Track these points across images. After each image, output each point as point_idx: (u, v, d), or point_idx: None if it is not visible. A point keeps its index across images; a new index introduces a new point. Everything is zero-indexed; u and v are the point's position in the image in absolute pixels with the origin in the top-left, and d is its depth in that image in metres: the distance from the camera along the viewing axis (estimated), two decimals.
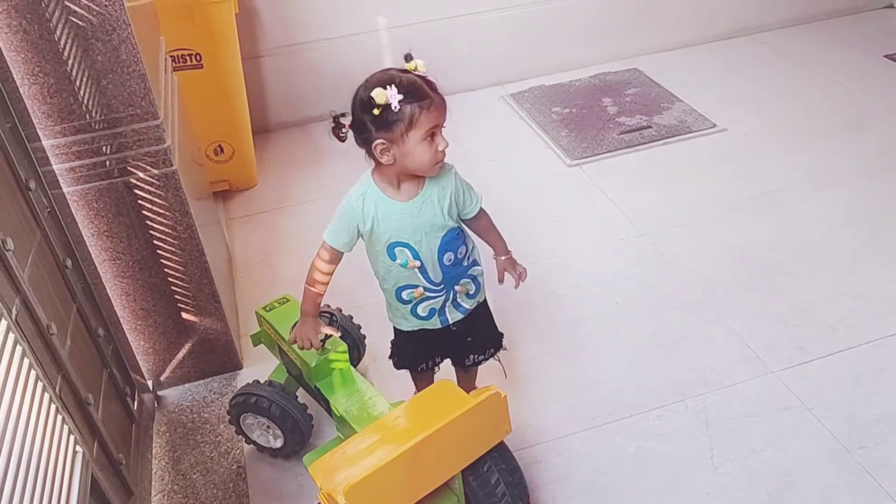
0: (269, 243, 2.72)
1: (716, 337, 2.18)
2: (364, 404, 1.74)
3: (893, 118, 3.16)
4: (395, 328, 1.77)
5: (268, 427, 1.86)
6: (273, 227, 2.81)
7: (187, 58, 2.64)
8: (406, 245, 1.58)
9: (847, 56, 3.68)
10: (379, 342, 2.14)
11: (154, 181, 1.83)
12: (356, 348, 2.08)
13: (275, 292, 2.46)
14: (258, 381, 1.88)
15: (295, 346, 1.76)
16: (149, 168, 1.81)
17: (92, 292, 1.84)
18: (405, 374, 1.88)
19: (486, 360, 1.84)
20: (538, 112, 3.35)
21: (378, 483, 1.40)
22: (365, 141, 1.48)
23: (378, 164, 1.51)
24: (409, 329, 1.72)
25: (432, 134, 1.45)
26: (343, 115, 1.50)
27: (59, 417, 1.42)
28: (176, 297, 2.02)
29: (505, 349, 1.86)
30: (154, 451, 1.98)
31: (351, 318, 2.11)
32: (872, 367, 2.06)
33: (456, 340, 1.77)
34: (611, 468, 1.84)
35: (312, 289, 1.67)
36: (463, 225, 1.67)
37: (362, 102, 1.43)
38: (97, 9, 1.61)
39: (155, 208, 1.87)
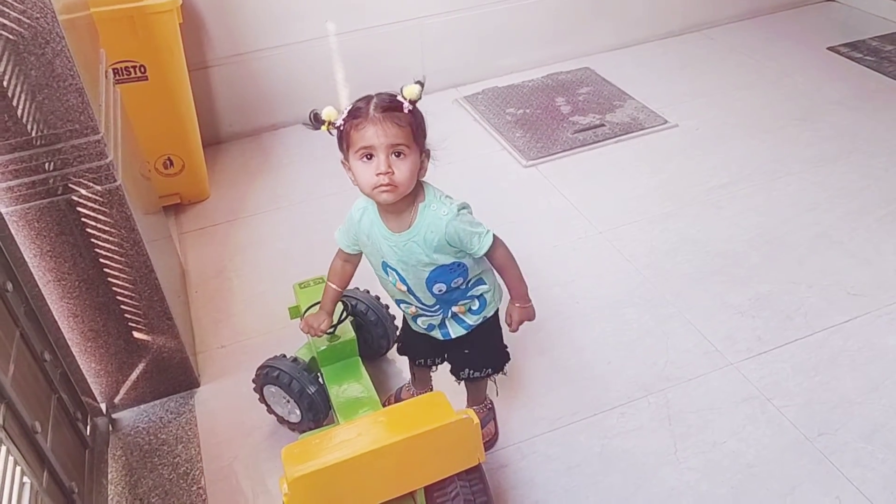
0: (224, 256, 2.67)
1: (675, 331, 2.19)
2: (354, 399, 1.75)
3: (839, 108, 3.22)
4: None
5: (287, 401, 1.87)
6: (227, 240, 2.75)
7: (131, 70, 2.58)
8: (395, 269, 1.56)
9: (793, 49, 3.75)
10: None
11: (97, 198, 1.77)
12: (385, 338, 2.08)
13: (231, 306, 2.43)
14: (284, 356, 1.90)
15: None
16: (91, 184, 1.75)
17: (36, 315, 1.77)
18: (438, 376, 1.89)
19: (482, 378, 1.80)
20: (492, 114, 3.34)
21: (326, 481, 1.38)
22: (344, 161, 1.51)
23: None
24: (415, 329, 1.74)
25: (368, 154, 1.40)
26: (316, 112, 1.49)
27: (3, 448, 1.36)
28: (126, 316, 1.96)
29: (504, 374, 1.83)
30: (109, 477, 1.91)
31: (387, 307, 2.09)
32: (829, 353, 2.09)
33: (454, 351, 1.75)
34: (577, 468, 1.84)
35: (329, 283, 1.72)
36: (464, 260, 1.59)
37: (317, 119, 1.45)
38: (28, 21, 1.55)
39: (100, 226, 1.81)
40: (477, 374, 1.79)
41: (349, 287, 2.10)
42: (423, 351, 1.82)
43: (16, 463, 1.40)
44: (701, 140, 3.09)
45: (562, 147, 3.06)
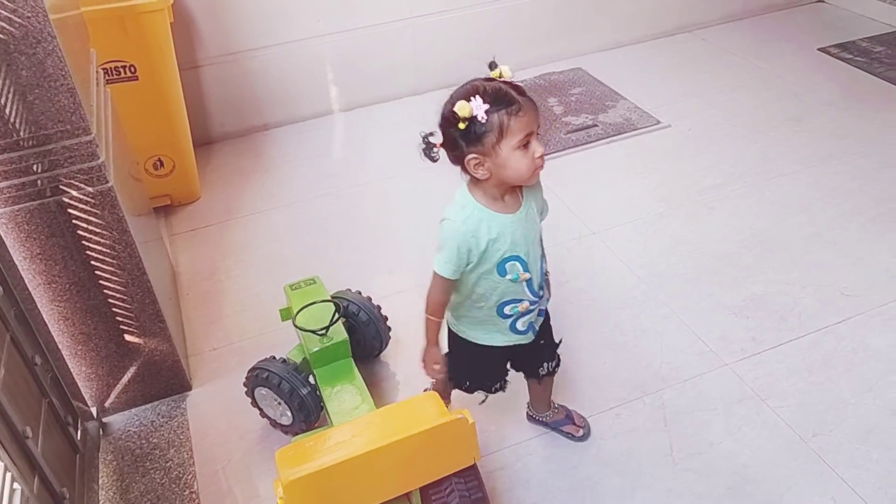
0: (216, 258, 2.65)
1: (670, 332, 2.19)
2: (348, 400, 1.73)
3: (830, 108, 3.24)
4: (469, 348, 1.66)
5: (279, 403, 1.85)
6: (219, 241, 2.73)
7: (121, 70, 2.55)
8: (517, 258, 1.51)
9: (784, 50, 3.76)
10: (403, 333, 2.17)
11: (89, 199, 1.75)
12: (378, 339, 2.07)
13: (223, 308, 2.41)
14: (274, 357, 1.88)
15: (303, 330, 1.82)
16: (82, 186, 1.73)
17: (26, 319, 1.75)
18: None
19: (557, 366, 1.79)
20: None
21: (321, 483, 1.38)
22: (457, 158, 1.42)
23: (474, 179, 1.44)
24: (502, 345, 1.64)
25: (527, 141, 1.37)
26: (432, 134, 1.43)
27: None
28: (118, 318, 1.94)
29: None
30: (101, 482, 1.89)
31: (379, 308, 2.08)
32: (823, 354, 2.09)
33: (532, 348, 1.71)
34: (573, 470, 1.83)
35: (433, 318, 1.60)
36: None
37: (446, 118, 1.37)
38: (19, 21, 1.53)
39: (91, 227, 1.79)
40: (553, 364, 1.77)
41: (340, 288, 2.10)
42: (502, 371, 1.74)
43: (6, 469, 1.38)
44: (694, 140, 3.09)
45: (555, 148, 3.06)
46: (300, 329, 1.86)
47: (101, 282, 1.86)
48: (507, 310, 1.58)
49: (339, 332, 1.86)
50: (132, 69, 2.57)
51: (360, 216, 2.80)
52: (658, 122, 3.18)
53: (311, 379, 1.86)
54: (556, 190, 2.85)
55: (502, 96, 1.35)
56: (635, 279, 2.40)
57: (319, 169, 3.09)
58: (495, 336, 1.63)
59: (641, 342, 2.17)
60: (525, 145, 1.37)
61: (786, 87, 3.43)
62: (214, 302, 2.44)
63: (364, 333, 2.04)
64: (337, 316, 1.88)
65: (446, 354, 1.71)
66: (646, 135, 3.14)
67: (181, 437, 1.99)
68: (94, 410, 2.02)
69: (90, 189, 1.74)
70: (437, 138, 1.42)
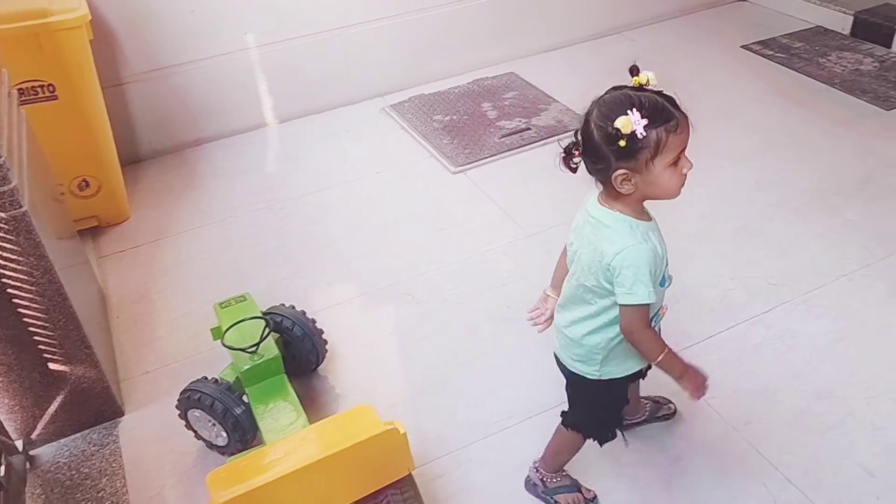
0: (148, 278, 2.58)
1: None
2: (281, 418, 1.71)
3: (754, 104, 3.33)
4: (615, 390, 1.57)
5: (213, 424, 1.81)
6: (150, 261, 2.67)
7: (38, 89, 2.47)
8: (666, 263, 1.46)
9: (709, 48, 3.86)
10: (341, 345, 2.18)
11: (2, 225, 1.69)
12: (314, 353, 2.04)
13: (155, 329, 2.35)
14: (206, 378, 1.84)
15: (232, 349, 1.79)
16: None
17: None
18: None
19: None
20: (419, 121, 3.34)
21: (254, 503, 1.34)
22: (601, 171, 1.33)
23: (614, 193, 1.36)
24: (640, 367, 1.57)
25: (678, 158, 1.30)
26: (576, 144, 1.35)
27: None
28: (40, 347, 1.87)
29: None
30: None
31: (314, 321, 2.05)
32: (752, 343, 2.15)
33: None
34: (514, 473, 1.83)
35: (667, 354, 1.46)
36: None
37: (606, 134, 1.27)
38: None
39: (6, 254, 1.72)
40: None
41: (274, 303, 2.08)
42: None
43: None
44: None
45: (489, 152, 3.08)
46: (228, 348, 1.82)
47: (19, 310, 1.79)
48: (653, 321, 1.49)
49: (271, 349, 1.83)
50: (50, 88, 2.49)
51: (294, 229, 2.77)
52: None
53: (244, 398, 1.83)
54: (491, 194, 2.86)
55: (660, 111, 1.27)
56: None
57: (252, 183, 3.05)
58: (638, 361, 1.54)
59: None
60: (675, 162, 1.31)
61: (711, 85, 3.52)
62: (146, 324, 2.38)
63: (300, 348, 2.02)
64: (267, 332, 1.85)
65: (586, 417, 1.64)
66: None
67: (114, 465, 1.93)
68: (19, 444, 1.94)
69: (2, 214, 1.67)
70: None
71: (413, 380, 2.12)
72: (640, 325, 1.41)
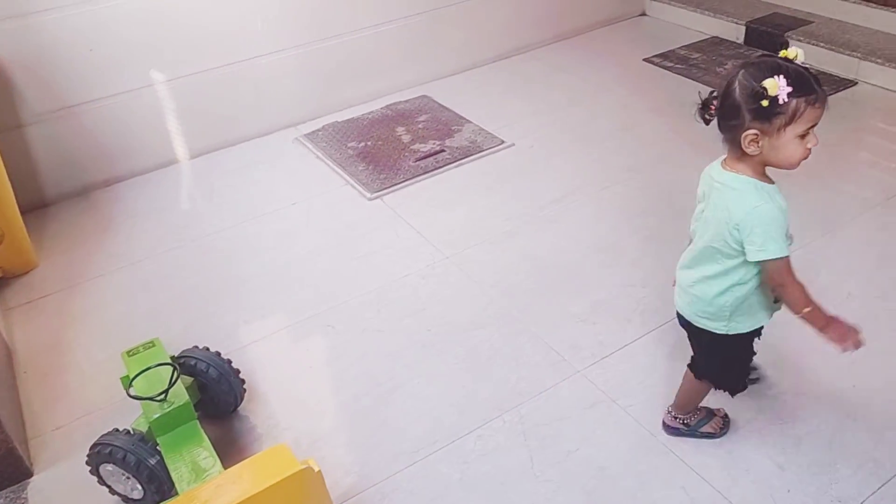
0: (58, 329, 2.49)
1: (524, 347, 2.26)
2: (194, 466, 1.66)
3: (656, 116, 3.46)
4: (743, 343, 1.69)
5: (127, 477, 1.75)
6: (60, 311, 2.57)
7: None
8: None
9: (613, 63, 4.00)
10: (260, 383, 2.13)
11: None
12: (231, 394, 2.00)
13: (67, 382, 2.27)
14: (117, 430, 1.78)
15: (139, 399, 1.74)
16: None
17: None
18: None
19: None
20: (334, 149, 3.34)
21: None
22: (732, 128, 1.43)
23: (739, 155, 1.46)
24: (765, 323, 1.67)
25: (808, 132, 1.40)
26: (715, 96, 1.45)
27: None
28: None
29: None
30: None
31: (230, 362, 2.01)
32: (665, 349, 2.22)
33: None
34: (439, 499, 1.84)
35: (810, 307, 1.53)
36: None
37: (751, 91, 1.36)
38: None
39: None
40: None
41: (188, 346, 2.04)
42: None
43: None
44: (536, 157, 3.22)
45: (405, 176, 3.10)
46: (135, 398, 1.77)
47: None
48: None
49: (180, 395, 1.79)
50: None
51: (210, 267, 2.72)
52: (502, 142, 3.30)
53: (159, 447, 1.78)
54: (408, 219, 2.88)
55: (805, 82, 1.36)
56: (488, 299, 2.46)
57: (166, 221, 2.99)
58: (764, 315, 1.65)
59: (498, 360, 2.22)
60: (804, 135, 1.40)
61: (617, 98, 3.64)
62: (57, 377, 2.29)
63: (216, 390, 1.98)
64: (175, 377, 1.80)
65: (716, 370, 1.78)
66: (492, 155, 3.24)
67: None
68: None
69: None
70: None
71: (336, 413, 2.11)
72: (789, 278, 1.51)
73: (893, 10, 3.67)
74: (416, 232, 2.80)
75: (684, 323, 1.76)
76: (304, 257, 2.73)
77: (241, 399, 2.05)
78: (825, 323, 1.56)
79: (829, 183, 2.87)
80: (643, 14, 4.54)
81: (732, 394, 1.84)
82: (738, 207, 1.47)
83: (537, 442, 1.96)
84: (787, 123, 1.38)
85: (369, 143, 3.36)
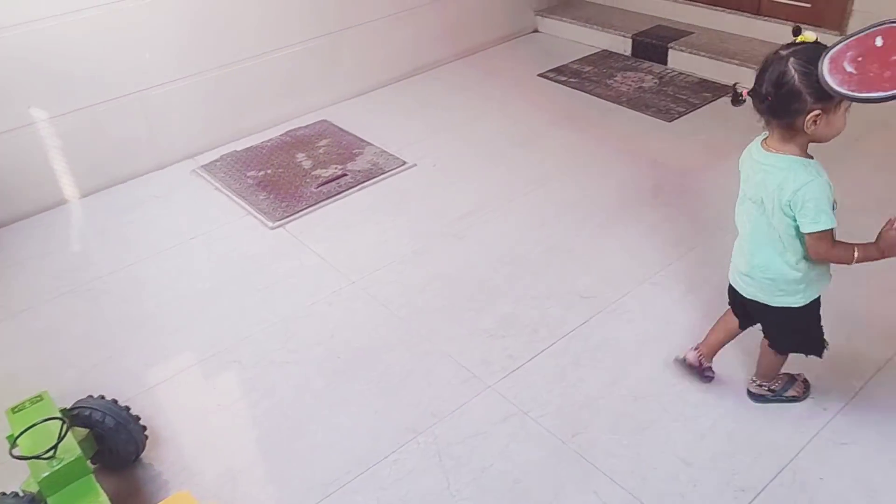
0: None
1: (435, 366, 2.25)
2: None
3: (554, 128, 3.55)
4: (817, 307, 1.81)
5: None
6: None
7: None
8: None
9: (510, 79, 4.08)
10: (164, 428, 2.03)
11: None
12: (132, 442, 1.90)
13: None
14: (4, 493, 1.65)
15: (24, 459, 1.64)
16: None
17: None
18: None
19: None
20: (233, 179, 3.26)
21: None
22: (792, 112, 1.53)
23: (790, 134, 1.58)
24: (827, 284, 1.79)
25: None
26: (751, 89, 1.58)
27: None
28: None
29: None
30: None
31: (128, 409, 1.91)
32: (572, 357, 2.25)
33: None
34: None
35: (860, 252, 1.64)
36: None
37: (812, 77, 1.47)
38: None
39: None
40: None
41: (81, 396, 1.93)
42: None
43: None
44: (439, 176, 3.24)
45: (307, 203, 3.06)
46: (18, 458, 1.66)
47: None
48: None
49: (71, 450, 1.68)
50: None
51: (106, 310, 2.60)
52: (405, 163, 3.30)
53: None
54: (312, 245, 2.84)
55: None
56: (397, 321, 2.44)
57: (55, 266, 2.84)
58: (827, 278, 1.78)
59: (409, 382, 2.20)
60: (847, 107, 1.54)
61: (515, 113, 3.71)
62: None
63: (115, 440, 1.88)
64: (65, 430, 1.70)
65: (801, 339, 1.89)
66: (394, 176, 3.24)
67: None
68: None
69: None
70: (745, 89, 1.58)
71: (245, 451, 2.04)
72: (829, 246, 1.63)
73: (767, 18, 3.90)
74: (321, 259, 2.77)
75: (756, 306, 1.84)
76: (207, 292, 2.65)
77: (143, 446, 1.95)
78: (879, 252, 1.66)
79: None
80: (535, 31, 4.66)
81: (820, 355, 1.91)
82: (790, 184, 1.58)
83: (452, 461, 1.95)
84: (843, 99, 1.50)
85: (269, 171, 3.31)
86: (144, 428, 1.96)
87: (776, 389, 2.04)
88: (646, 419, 2.04)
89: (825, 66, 1.43)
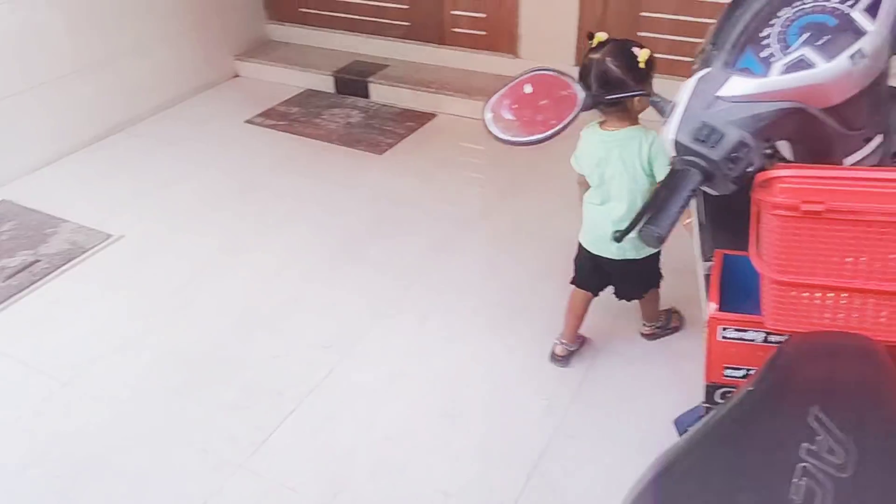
0: None
1: (178, 457, 2.06)
2: None
3: (271, 173, 3.46)
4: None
5: None
6: None
7: None
8: None
9: (217, 129, 3.91)
10: None
11: None
12: None
13: None
14: None
15: None
16: None
17: None
18: None
19: None
20: None
21: None
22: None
23: (624, 115, 1.93)
24: None
25: None
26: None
27: None
28: None
29: None
30: None
31: None
32: (322, 412, 2.19)
33: None
34: None
35: None
36: None
37: (631, 65, 1.79)
38: None
39: None
40: None
41: None
42: None
43: None
44: (151, 244, 2.99)
45: None
46: None
47: None
48: None
49: None
50: None
51: None
52: (109, 237, 3.00)
53: None
54: (7, 349, 2.46)
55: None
56: (126, 416, 2.20)
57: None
58: None
59: (150, 485, 1.99)
60: None
61: (228, 165, 3.56)
62: None
63: None
64: None
65: (652, 276, 2.22)
66: (99, 253, 2.92)
67: None
68: None
69: None
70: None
71: None
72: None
73: (451, 47, 4.18)
74: (21, 362, 2.40)
75: (618, 268, 2.12)
76: None
77: None
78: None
79: (434, 205, 3.13)
80: (236, 76, 4.53)
81: (659, 284, 2.24)
82: (645, 144, 1.92)
83: None
84: (652, 76, 1.84)
85: None
86: None
87: (663, 324, 2.38)
88: (403, 459, 2.04)
89: (489, 116, 1.50)
